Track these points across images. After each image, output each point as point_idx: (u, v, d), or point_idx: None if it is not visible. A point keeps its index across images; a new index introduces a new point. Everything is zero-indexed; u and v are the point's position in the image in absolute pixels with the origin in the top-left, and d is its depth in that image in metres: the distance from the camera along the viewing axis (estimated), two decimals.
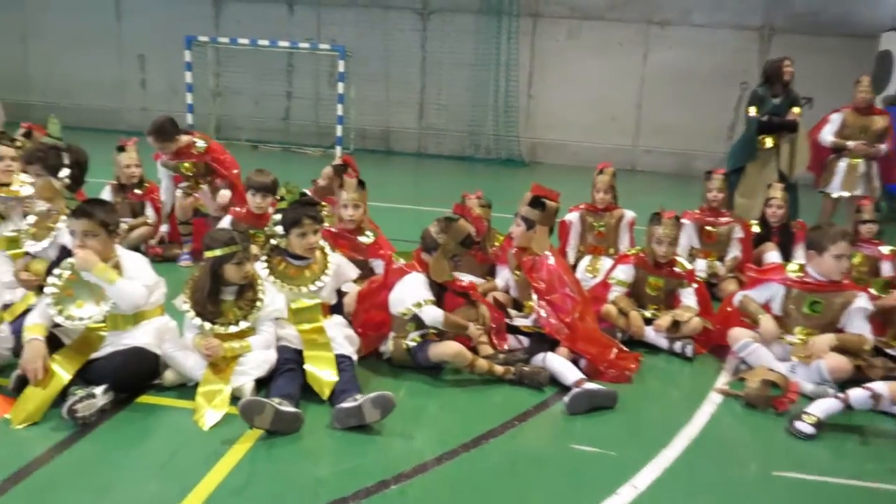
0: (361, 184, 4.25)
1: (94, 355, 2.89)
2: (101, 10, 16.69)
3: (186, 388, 3.01)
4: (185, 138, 5.24)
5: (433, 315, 3.27)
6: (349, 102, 15.07)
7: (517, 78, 15.61)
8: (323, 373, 2.98)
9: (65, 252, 3.39)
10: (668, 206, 4.19)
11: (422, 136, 16.57)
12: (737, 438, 3.08)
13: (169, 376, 3.00)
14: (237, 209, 4.45)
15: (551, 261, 3.62)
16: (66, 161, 3.47)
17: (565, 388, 3.20)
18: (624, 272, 4.10)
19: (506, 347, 3.50)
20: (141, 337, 2.95)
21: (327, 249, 3.40)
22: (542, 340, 3.46)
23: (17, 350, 3.09)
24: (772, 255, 5.01)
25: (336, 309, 3.46)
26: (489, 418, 2.99)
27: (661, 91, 15.05)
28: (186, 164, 5.24)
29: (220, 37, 15.61)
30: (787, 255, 4.99)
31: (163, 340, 3.04)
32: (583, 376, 3.20)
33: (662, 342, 3.88)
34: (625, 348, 3.64)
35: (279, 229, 3.23)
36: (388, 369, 3.42)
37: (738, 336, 3.66)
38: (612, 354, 3.45)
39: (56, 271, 2.97)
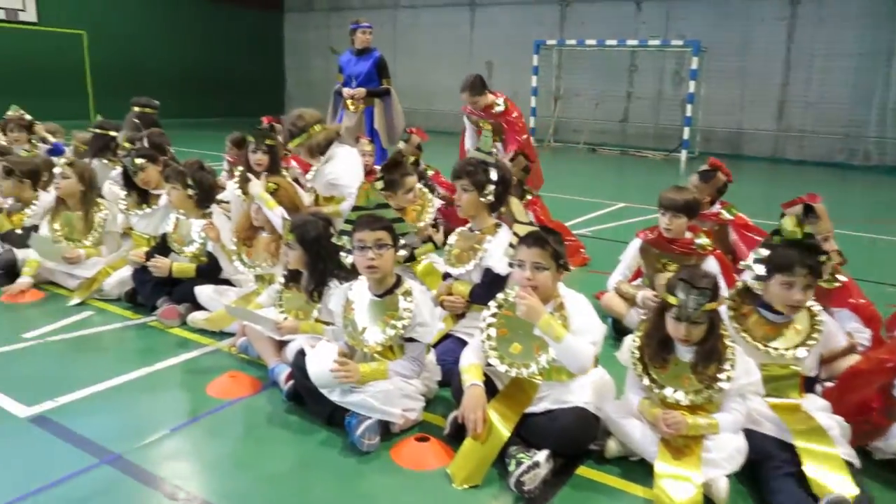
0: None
1: (531, 409, 2.51)
2: (458, 24, 17.94)
3: (628, 463, 2.48)
4: (490, 97, 5.71)
5: None
6: (697, 102, 13.79)
7: None
8: (834, 480, 2.18)
9: (489, 276, 3.13)
10: None
11: (780, 139, 14.51)
12: None
13: (612, 447, 2.49)
14: (647, 232, 3.85)
15: None
16: (494, 177, 3.20)
17: None
18: None
19: None
20: (581, 394, 2.49)
21: (815, 308, 2.58)
22: None
23: (442, 382, 2.90)
24: None
25: (809, 385, 2.63)
26: None
27: None
28: (485, 122, 5.69)
29: (564, 39, 15.54)
30: None
31: (603, 400, 2.56)
32: None
33: None
34: None
35: (756, 269, 2.52)
36: (883, 470, 2.49)
37: None
38: None
39: (492, 305, 2.67)
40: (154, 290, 3.82)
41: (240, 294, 3.68)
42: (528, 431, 2.46)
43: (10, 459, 2.40)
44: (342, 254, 3.00)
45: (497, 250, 3.13)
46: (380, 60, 6.41)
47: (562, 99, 16.14)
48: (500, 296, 2.68)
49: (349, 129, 6.28)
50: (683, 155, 13.70)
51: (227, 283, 3.87)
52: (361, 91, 6.32)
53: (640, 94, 15.80)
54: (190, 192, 3.77)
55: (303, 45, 20.60)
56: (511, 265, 2.61)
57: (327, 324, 3.09)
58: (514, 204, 2.46)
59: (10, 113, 5.58)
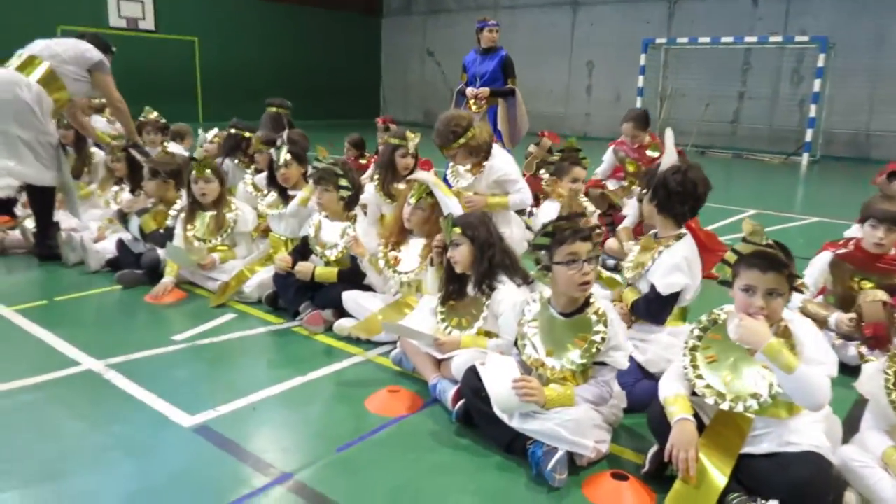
0: None
1: (749, 449, 2.17)
2: (558, 24, 17.55)
3: None
4: (648, 138, 5.65)
5: None
6: (822, 103, 12.84)
7: None
8: None
9: (653, 293, 2.81)
10: None
11: None
12: None
13: (852, 500, 2.12)
14: (838, 245, 3.42)
15: None
16: (676, 188, 2.84)
17: None
18: None
19: None
20: (809, 435, 2.12)
21: None
22: None
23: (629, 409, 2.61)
24: None
25: None
26: None
27: None
28: (632, 162, 5.63)
29: (675, 37, 14.87)
30: None
31: (835, 442, 2.19)
32: None
33: None
34: None
35: None
36: None
37: None
38: None
39: (695, 328, 2.35)
40: (296, 295, 3.71)
41: (386, 301, 3.51)
42: (749, 476, 2.12)
43: (185, 476, 2.28)
44: (534, 272, 2.73)
45: (664, 265, 2.81)
46: (506, 59, 6.17)
47: (669, 99, 15.45)
48: (704, 317, 2.36)
49: None
50: (805, 158, 12.80)
51: (370, 288, 3.71)
52: (485, 91, 6.10)
53: (753, 94, 14.94)
54: (343, 192, 3.63)
55: (400, 49, 20.71)
56: (724, 283, 2.27)
57: (489, 335, 2.86)
58: (747, 224, 2.12)
59: (146, 116, 5.69)
